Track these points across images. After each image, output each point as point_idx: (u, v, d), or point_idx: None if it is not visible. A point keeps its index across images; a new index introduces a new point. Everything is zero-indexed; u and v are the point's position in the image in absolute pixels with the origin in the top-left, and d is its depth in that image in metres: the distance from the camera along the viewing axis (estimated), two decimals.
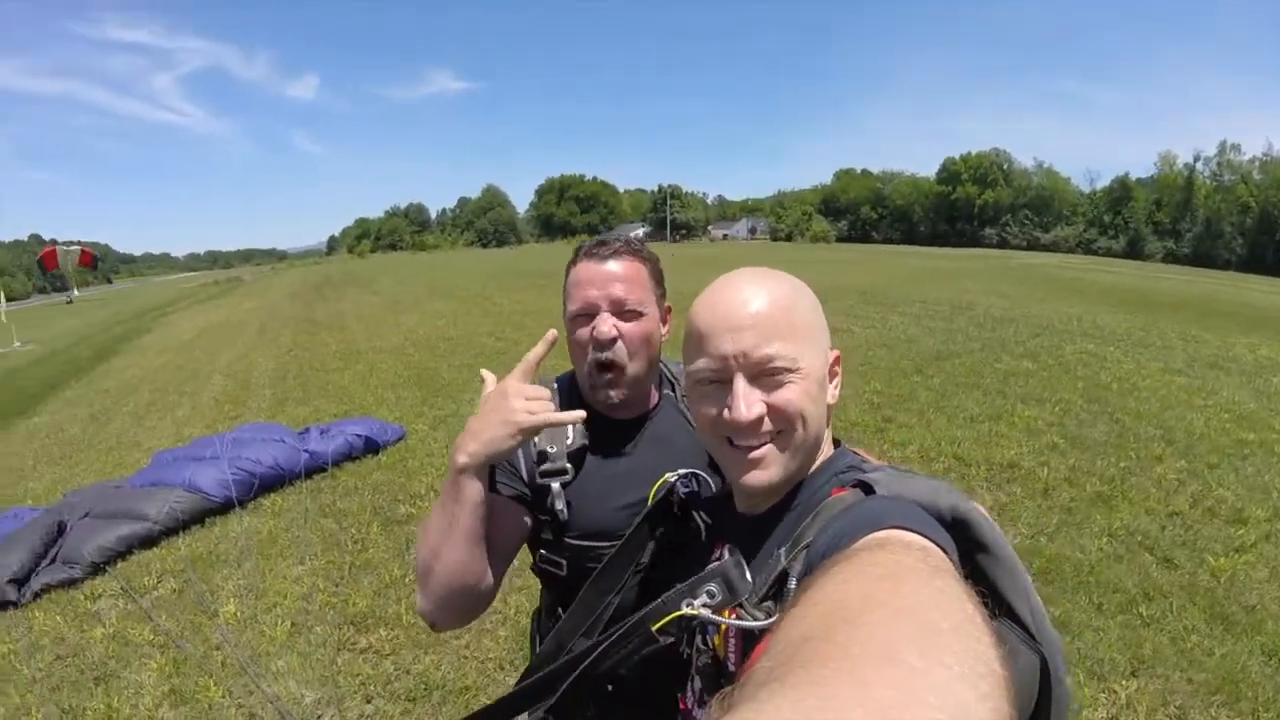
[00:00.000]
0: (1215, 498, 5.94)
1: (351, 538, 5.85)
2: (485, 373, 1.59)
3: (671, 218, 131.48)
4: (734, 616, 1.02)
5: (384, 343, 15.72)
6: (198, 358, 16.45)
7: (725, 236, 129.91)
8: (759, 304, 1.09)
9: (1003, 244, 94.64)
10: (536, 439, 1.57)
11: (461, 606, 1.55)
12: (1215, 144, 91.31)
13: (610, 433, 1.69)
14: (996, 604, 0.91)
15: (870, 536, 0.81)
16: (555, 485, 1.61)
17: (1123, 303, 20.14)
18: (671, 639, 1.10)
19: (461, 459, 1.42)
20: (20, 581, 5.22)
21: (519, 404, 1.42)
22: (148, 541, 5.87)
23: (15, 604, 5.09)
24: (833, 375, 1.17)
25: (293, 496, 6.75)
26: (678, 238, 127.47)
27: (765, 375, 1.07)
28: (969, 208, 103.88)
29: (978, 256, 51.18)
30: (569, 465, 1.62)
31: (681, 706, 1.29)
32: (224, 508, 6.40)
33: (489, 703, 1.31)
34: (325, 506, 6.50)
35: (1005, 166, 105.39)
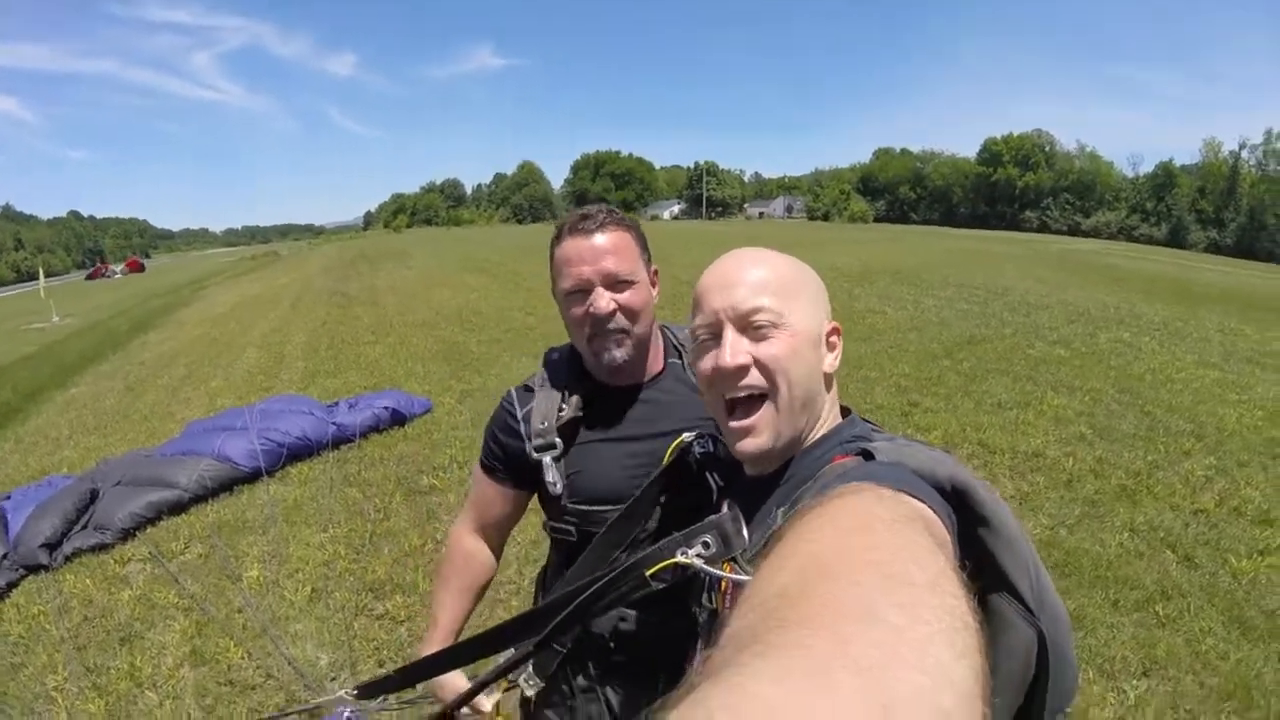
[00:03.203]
0: (1242, 497, 5.76)
1: (375, 507, 5.93)
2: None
3: (707, 195, 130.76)
4: (730, 571, 1.06)
5: (415, 317, 15.80)
6: (232, 331, 16.67)
7: (761, 215, 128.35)
8: (755, 269, 1.16)
9: (1043, 228, 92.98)
10: (525, 414, 1.71)
11: None
12: (1261, 131, 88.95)
13: (610, 400, 1.73)
14: (996, 578, 0.91)
15: (845, 486, 0.82)
16: (546, 459, 1.67)
17: (1161, 292, 19.77)
18: (664, 585, 1.13)
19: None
20: (53, 546, 5.36)
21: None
22: (177, 508, 5.99)
23: (47, 567, 5.23)
24: (831, 345, 1.20)
25: (319, 466, 6.85)
26: (713, 215, 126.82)
27: (752, 328, 1.11)
28: (1010, 190, 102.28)
29: (1017, 240, 50.44)
30: (558, 440, 1.68)
31: (686, 667, 1.31)
32: (252, 476, 6.51)
33: (479, 632, 1.36)
34: (350, 476, 6.60)
35: (1048, 149, 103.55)
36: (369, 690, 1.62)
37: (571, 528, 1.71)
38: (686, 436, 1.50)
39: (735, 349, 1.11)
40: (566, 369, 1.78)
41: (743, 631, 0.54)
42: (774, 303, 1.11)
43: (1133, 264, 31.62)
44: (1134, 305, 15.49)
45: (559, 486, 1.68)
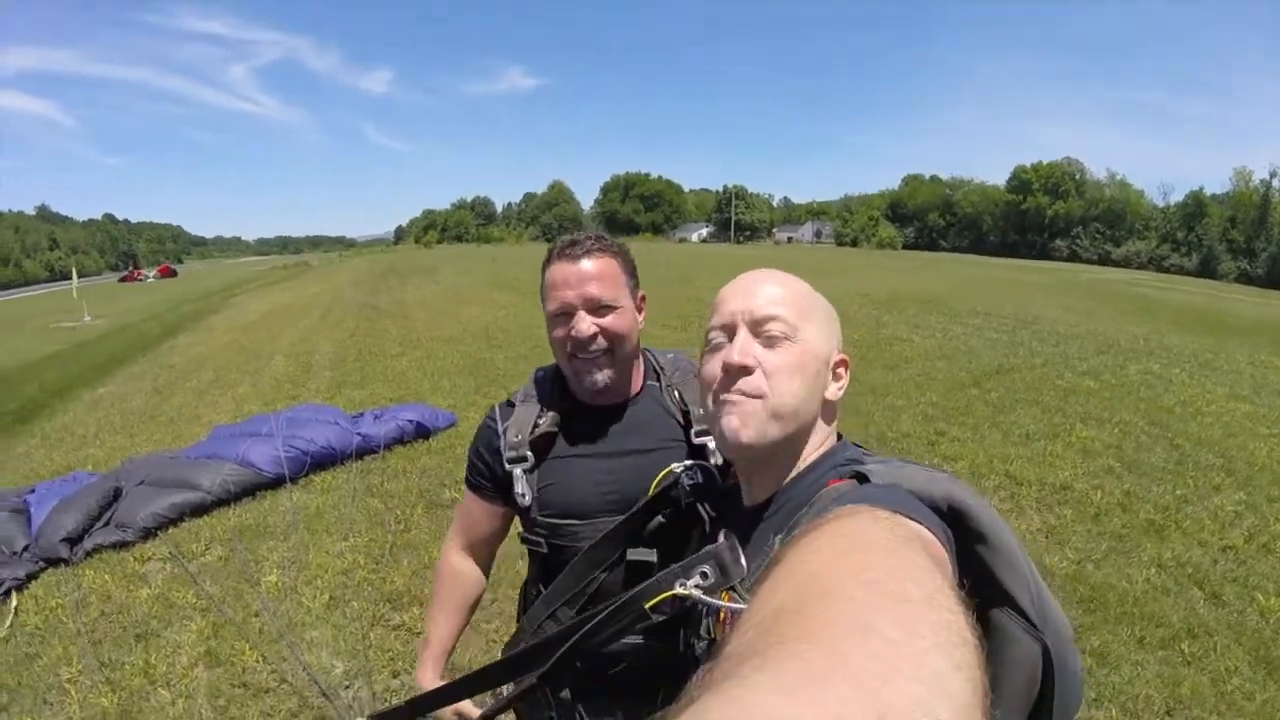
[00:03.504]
0: (1272, 533, 5.67)
1: (395, 518, 5.93)
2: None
3: (736, 219, 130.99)
4: (728, 600, 1.06)
5: (443, 332, 15.88)
6: (261, 338, 16.81)
7: (790, 239, 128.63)
8: (775, 284, 1.18)
9: (1073, 257, 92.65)
10: (505, 428, 1.78)
11: None
12: None
13: (586, 418, 1.78)
14: (997, 594, 0.91)
15: (842, 509, 0.82)
16: (516, 470, 1.74)
17: (1191, 323, 19.63)
18: (664, 617, 1.13)
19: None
20: (74, 541, 5.40)
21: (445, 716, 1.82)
22: (199, 510, 6.02)
23: (67, 562, 5.26)
24: (836, 375, 1.21)
25: (342, 476, 6.87)
26: (741, 239, 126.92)
27: (765, 335, 1.13)
28: (1039, 218, 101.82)
29: (1046, 270, 50.22)
30: (530, 453, 1.74)
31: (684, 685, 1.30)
32: (275, 483, 6.53)
33: (486, 664, 1.37)
34: (373, 487, 6.61)
35: (1078, 177, 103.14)
36: (383, 718, 1.63)
37: (541, 540, 1.76)
38: (676, 467, 1.52)
39: (745, 349, 1.13)
40: (549, 386, 1.84)
41: (741, 648, 0.54)
42: (789, 315, 1.14)
43: (1163, 294, 31.42)
44: (1164, 336, 15.37)
45: (528, 499, 1.74)
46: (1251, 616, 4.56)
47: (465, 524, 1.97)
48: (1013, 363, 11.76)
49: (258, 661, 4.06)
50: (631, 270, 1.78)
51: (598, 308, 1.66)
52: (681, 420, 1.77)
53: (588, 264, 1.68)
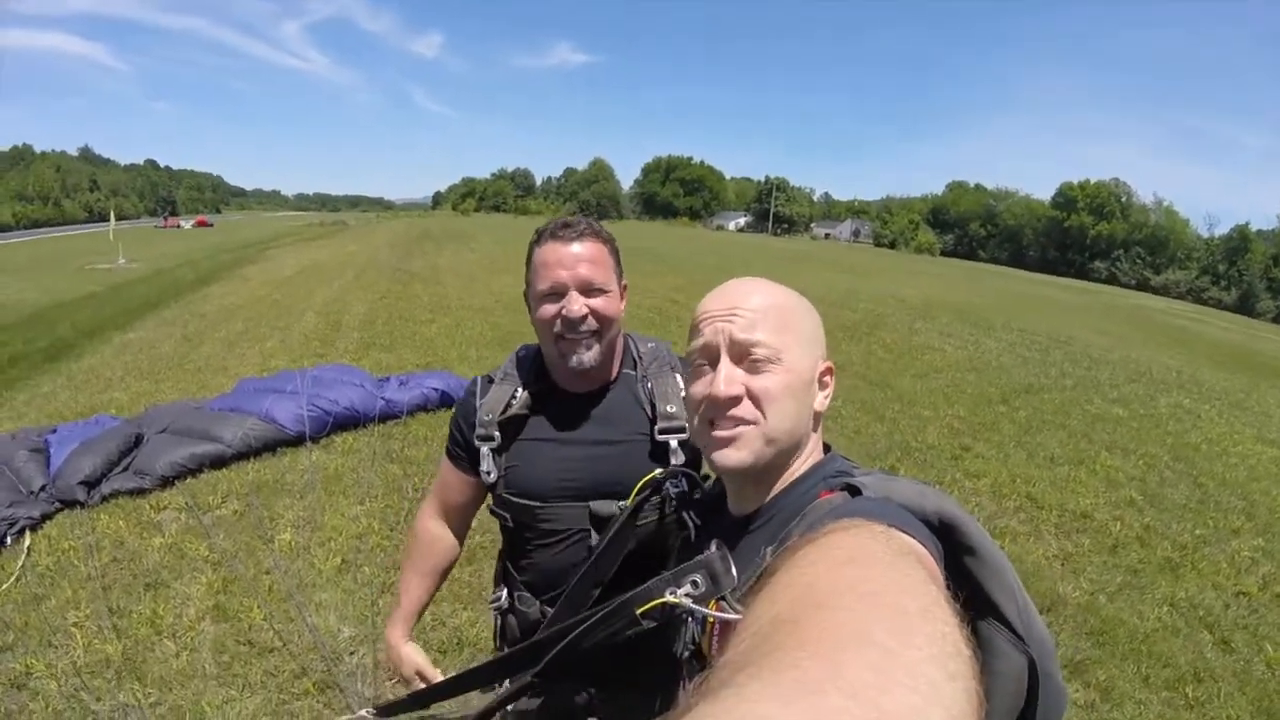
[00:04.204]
0: None
1: (413, 485, 5.92)
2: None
3: (775, 210, 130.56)
4: (717, 609, 1.06)
5: (474, 301, 15.94)
6: (294, 294, 16.91)
7: (827, 236, 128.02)
8: (756, 299, 1.17)
9: (1111, 279, 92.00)
10: (479, 405, 1.83)
11: None
12: None
13: (560, 405, 1.83)
14: (984, 606, 0.92)
15: (837, 522, 0.82)
16: (484, 449, 1.81)
17: (1226, 359, 19.48)
18: (654, 624, 1.14)
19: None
20: (91, 484, 5.41)
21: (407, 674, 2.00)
22: (218, 462, 6.03)
23: (83, 505, 5.27)
24: (823, 385, 1.21)
25: (364, 438, 6.87)
26: (779, 231, 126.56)
27: (748, 360, 1.13)
28: (1081, 237, 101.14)
29: (1085, 290, 49.89)
30: (498, 434, 1.79)
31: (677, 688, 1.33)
32: (296, 441, 6.53)
33: (480, 662, 1.42)
34: (393, 452, 6.60)
35: (1124, 199, 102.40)
36: (388, 710, 1.72)
37: (506, 515, 1.84)
38: (658, 474, 1.54)
39: (730, 379, 1.12)
40: (528, 366, 1.87)
41: (738, 657, 0.55)
42: (773, 338, 1.13)
43: (1200, 327, 31.21)
44: (1197, 370, 15.28)
45: (493, 476, 1.81)
46: (1258, 666, 4.52)
47: (441, 490, 2.02)
48: (1043, 383, 11.74)
49: (264, 619, 4.05)
50: (618, 259, 1.82)
51: (589, 289, 1.70)
52: (650, 415, 1.80)
53: (580, 247, 1.71)
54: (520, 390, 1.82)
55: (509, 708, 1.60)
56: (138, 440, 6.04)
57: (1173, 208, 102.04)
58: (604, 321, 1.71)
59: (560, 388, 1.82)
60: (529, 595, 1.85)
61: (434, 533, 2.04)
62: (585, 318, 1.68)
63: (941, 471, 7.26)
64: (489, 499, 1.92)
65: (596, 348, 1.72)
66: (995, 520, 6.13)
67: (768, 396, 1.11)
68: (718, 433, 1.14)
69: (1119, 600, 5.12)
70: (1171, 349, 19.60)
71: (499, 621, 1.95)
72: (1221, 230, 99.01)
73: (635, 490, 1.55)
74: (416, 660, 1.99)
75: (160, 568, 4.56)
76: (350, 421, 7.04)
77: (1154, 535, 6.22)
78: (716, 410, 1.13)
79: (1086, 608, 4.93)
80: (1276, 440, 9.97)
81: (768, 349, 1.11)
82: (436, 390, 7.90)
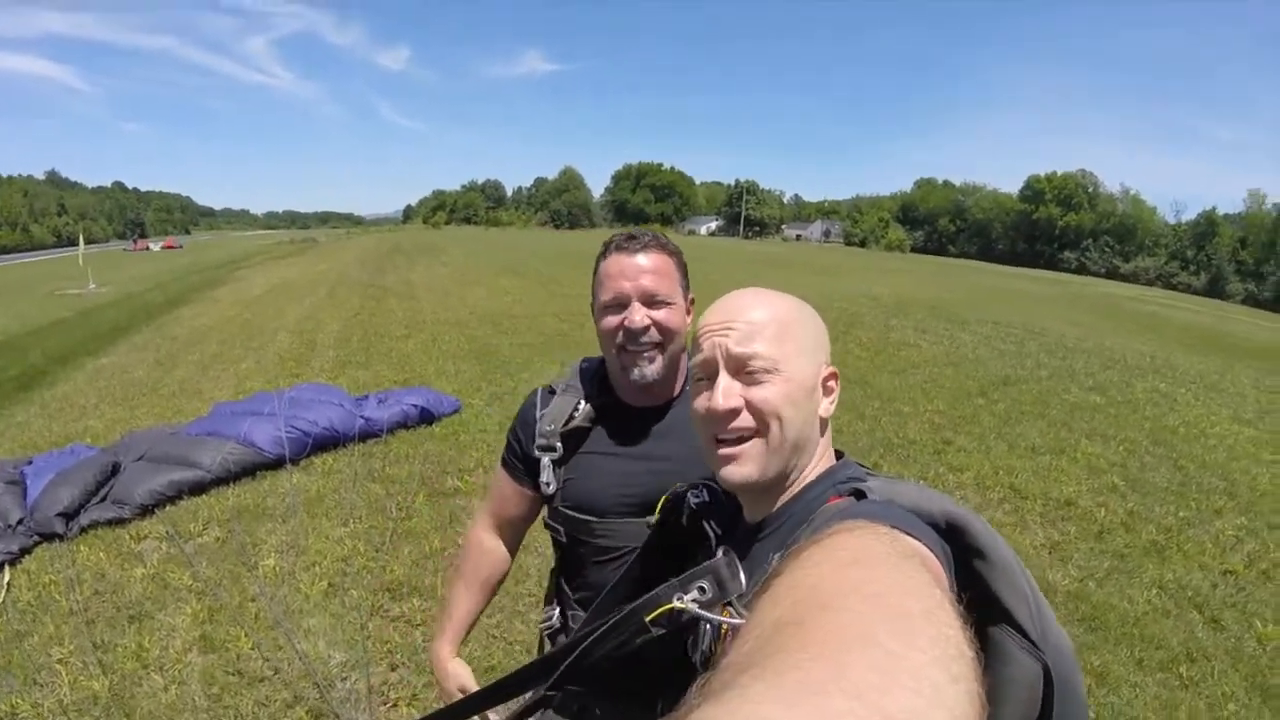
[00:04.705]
0: (1272, 560, 5.68)
1: (397, 505, 5.86)
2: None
3: (746, 214, 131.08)
4: (727, 615, 1.05)
5: (449, 314, 15.86)
6: (266, 314, 16.76)
7: (799, 237, 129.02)
8: (754, 311, 1.16)
9: (1081, 269, 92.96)
10: (541, 415, 1.82)
11: None
12: None
13: (623, 419, 1.80)
14: (996, 611, 0.90)
15: (841, 524, 0.82)
16: (545, 459, 1.79)
17: (1198, 343, 19.75)
18: (664, 630, 1.11)
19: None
20: (69, 516, 5.32)
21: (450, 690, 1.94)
22: (197, 489, 5.94)
23: (62, 537, 5.18)
24: (827, 390, 1.21)
25: (344, 459, 6.80)
26: (750, 234, 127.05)
27: (746, 372, 1.13)
28: (1050, 229, 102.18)
29: (1055, 281, 50.31)
30: (560, 445, 1.78)
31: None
32: (276, 464, 6.46)
33: (493, 680, 1.35)
34: (375, 472, 6.54)
35: (1091, 190, 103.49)
36: None
37: (560, 529, 1.83)
38: (679, 487, 1.51)
39: (728, 392, 1.12)
40: (590, 379, 1.86)
41: (741, 658, 0.55)
42: (770, 349, 1.12)
43: (1170, 312, 31.58)
44: (1170, 354, 15.45)
45: (552, 488, 1.79)
46: (1249, 643, 4.58)
47: (496, 501, 1.99)
48: (1020, 374, 11.80)
49: (253, 649, 3.99)
50: (684, 271, 1.80)
51: (652, 301, 1.68)
52: None
53: (645, 258, 1.70)
54: (583, 402, 1.80)
55: None
56: (115, 469, 5.94)
57: (1139, 196, 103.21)
58: (667, 334, 1.69)
59: (623, 401, 1.81)
60: (583, 614, 1.79)
61: (486, 545, 2.02)
62: (647, 329, 1.67)
63: (925, 466, 7.30)
64: (544, 512, 1.90)
65: (659, 360, 1.70)
66: (981, 512, 6.07)
67: (767, 407, 1.11)
68: (722, 450, 1.14)
69: (1108, 585, 5.17)
70: (1144, 335, 19.82)
71: (546, 643, 1.94)
72: (1189, 216, 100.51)
73: (660, 504, 1.52)
74: (462, 677, 1.95)
75: (144, 599, 4.48)
76: (330, 442, 6.96)
77: (1138, 519, 6.28)
78: (717, 424, 1.13)
79: (1077, 595, 4.98)
80: (1253, 421, 10.08)
81: (765, 360, 1.11)
82: (416, 407, 7.85)
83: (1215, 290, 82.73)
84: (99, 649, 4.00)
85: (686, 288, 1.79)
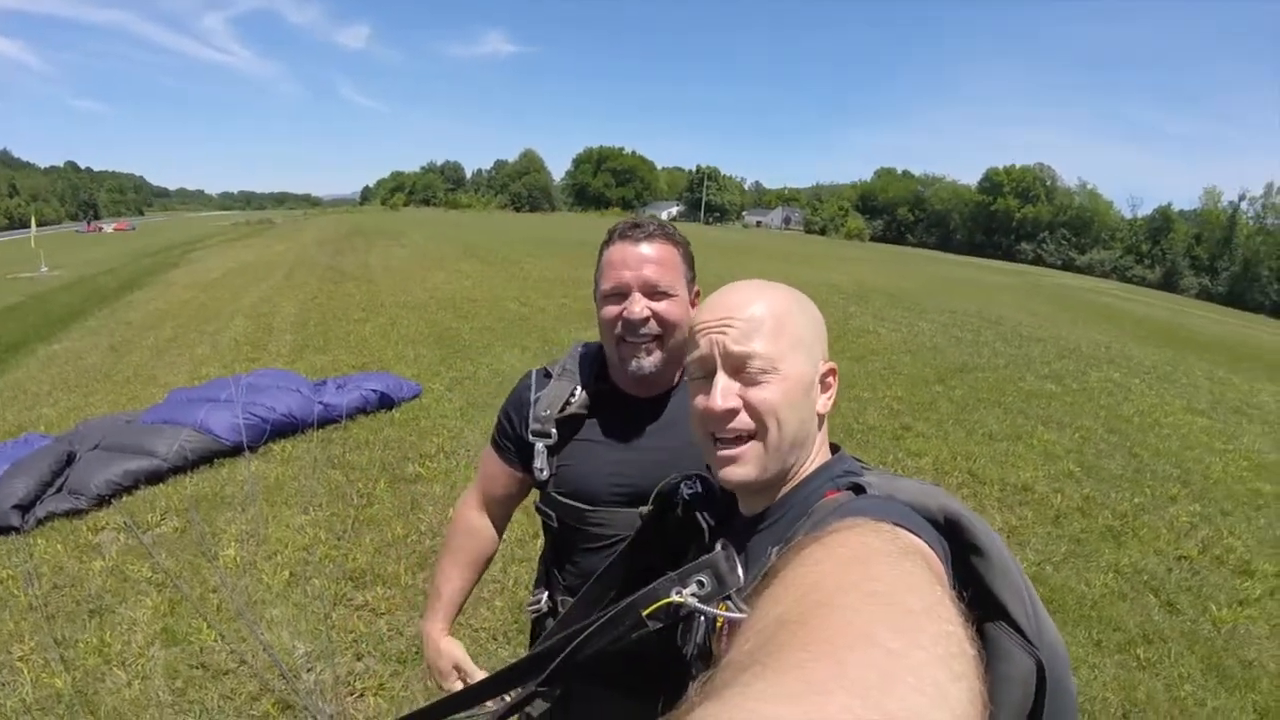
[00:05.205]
0: (1225, 546, 5.85)
1: (358, 491, 5.82)
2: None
3: (707, 200, 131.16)
4: (724, 609, 1.05)
5: (408, 298, 15.72)
6: (222, 297, 16.52)
7: (759, 224, 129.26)
8: (752, 308, 1.14)
9: (1038, 260, 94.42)
10: (536, 398, 1.80)
11: None
12: (1262, 184, 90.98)
13: (620, 408, 1.79)
14: (991, 607, 0.90)
15: (842, 521, 0.82)
16: (539, 445, 1.78)
17: (1152, 335, 20.08)
18: (661, 625, 1.12)
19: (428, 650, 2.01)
20: (25, 508, 5.22)
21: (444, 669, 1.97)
22: (154, 478, 5.85)
23: (18, 530, 5.08)
24: (825, 386, 1.20)
25: (303, 445, 6.74)
26: (711, 220, 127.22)
27: (744, 372, 1.11)
28: (1008, 220, 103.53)
29: (1011, 271, 50.87)
30: (554, 431, 1.76)
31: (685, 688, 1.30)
32: (233, 451, 6.38)
33: (491, 673, 1.39)
34: (334, 458, 6.48)
35: (1049, 183, 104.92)
36: None
37: (552, 514, 1.82)
38: (673, 478, 1.49)
39: (726, 392, 1.11)
40: (588, 365, 1.83)
41: (742, 656, 0.55)
42: (768, 347, 1.11)
43: (1125, 304, 32.05)
44: (1125, 345, 15.74)
45: (545, 474, 1.78)
46: (1204, 626, 4.72)
47: (485, 481, 1.98)
48: (977, 362, 12.01)
49: (215, 640, 3.95)
50: (690, 262, 1.77)
51: (653, 292, 1.66)
52: None
53: (648, 248, 1.68)
54: (579, 389, 1.78)
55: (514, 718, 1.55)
56: (70, 459, 5.83)
57: (1096, 190, 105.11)
58: (667, 326, 1.67)
59: (620, 390, 1.79)
60: (572, 599, 1.76)
61: (475, 523, 2.00)
62: (647, 320, 1.65)
63: (884, 452, 7.39)
64: (534, 494, 1.90)
65: (658, 354, 1.68)
66: None
67: (766, 408, 1.10)
68: (721, 451, 1.13)
69: (1065, 569, 5.28)
70: (1099, 325, 20.13)
71: (535, 625, 1.95)
72: (1144, 211, 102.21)
73: (653, 495, 1.51)
74: (455, 655, 1.95)
75: (104, 592, 4.40)
76: (288, 428, 6.89)
77: (1094, 505, 6.42)
78: (715, 424, 1.12)
79: (1035, 578, 5.05)
80: (1205, 411, 10.36)
81: (764, 359, 1.10)
82: (375, 391, 7.79)
83: (1170, 284, 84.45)
84: (60, 645, 3.92)
85: (692, 279, 1.76)
